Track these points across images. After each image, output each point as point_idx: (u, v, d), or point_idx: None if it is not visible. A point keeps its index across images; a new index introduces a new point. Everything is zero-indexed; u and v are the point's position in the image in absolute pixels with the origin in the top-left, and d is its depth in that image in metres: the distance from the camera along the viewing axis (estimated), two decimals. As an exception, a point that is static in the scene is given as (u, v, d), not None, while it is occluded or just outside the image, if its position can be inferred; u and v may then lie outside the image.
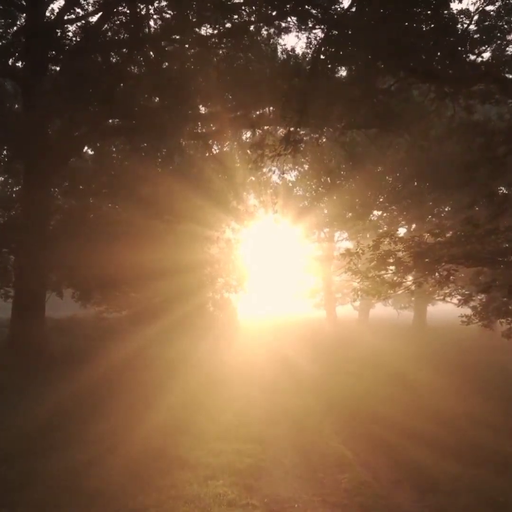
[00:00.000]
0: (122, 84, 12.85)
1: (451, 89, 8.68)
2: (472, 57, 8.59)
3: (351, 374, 10.74)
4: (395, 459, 5.59)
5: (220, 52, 13.70)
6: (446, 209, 22.10)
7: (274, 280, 32.42)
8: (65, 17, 12.53)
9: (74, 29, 12.42)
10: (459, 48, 8.54)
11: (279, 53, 13.78)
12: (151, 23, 12.77)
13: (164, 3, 12.36)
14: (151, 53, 13.30)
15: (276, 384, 9.80)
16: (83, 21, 12.62)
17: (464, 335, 21.87)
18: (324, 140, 17.41)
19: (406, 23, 7.49)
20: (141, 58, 13.32)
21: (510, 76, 8.22)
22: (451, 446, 6.11)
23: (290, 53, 13.47)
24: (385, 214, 24.47)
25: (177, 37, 13.44)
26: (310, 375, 10.74)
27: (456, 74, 7.89)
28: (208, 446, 5.84)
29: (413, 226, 25.57)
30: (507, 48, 10.09)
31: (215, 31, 12.76)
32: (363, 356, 14.00)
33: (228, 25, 12.20)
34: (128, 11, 11.98)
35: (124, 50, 13.14)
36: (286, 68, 12.71)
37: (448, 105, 9.11)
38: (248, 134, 17.41)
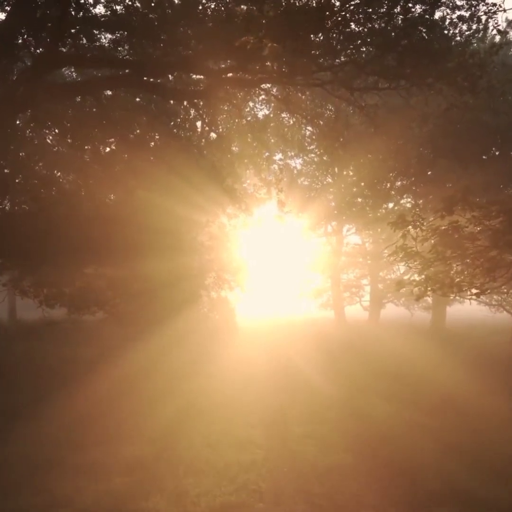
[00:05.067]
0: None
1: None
2: None
3: (386, 397, 7.82)
4: None
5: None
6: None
7: (277, 277, 29.67)
8: None
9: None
10: None
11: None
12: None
13: None
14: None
15: (284, 416, 6.83)
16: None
17: (492, 338, 19.06)
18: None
19: None
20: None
21: None
22: None
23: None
24: (396, 208, 21.96)
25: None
26: (330, 399, 7.78)
27: None
28: None
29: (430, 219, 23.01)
30: None
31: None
32: (390, 367, 11.05)
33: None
34: None
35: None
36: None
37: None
38: (249, 118, 14.68)
